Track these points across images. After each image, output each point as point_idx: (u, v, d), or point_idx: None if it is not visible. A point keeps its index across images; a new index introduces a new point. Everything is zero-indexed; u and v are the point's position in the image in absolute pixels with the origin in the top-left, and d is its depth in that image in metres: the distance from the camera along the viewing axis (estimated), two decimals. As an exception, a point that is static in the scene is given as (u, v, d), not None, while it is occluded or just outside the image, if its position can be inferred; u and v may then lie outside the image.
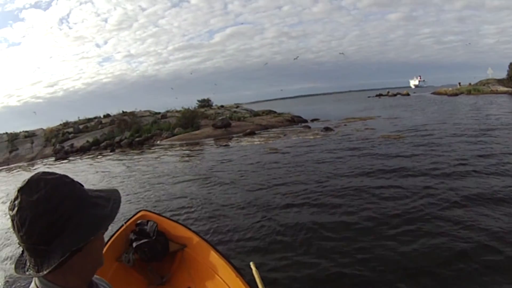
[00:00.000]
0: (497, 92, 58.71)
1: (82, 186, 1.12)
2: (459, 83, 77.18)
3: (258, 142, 20.09)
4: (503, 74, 69.80)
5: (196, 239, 4.29)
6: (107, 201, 1.11)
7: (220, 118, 28.65)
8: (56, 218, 0.99)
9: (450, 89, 72.77)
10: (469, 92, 62.82)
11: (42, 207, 0.98)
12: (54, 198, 1.00)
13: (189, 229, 4.58)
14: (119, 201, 1.16)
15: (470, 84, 71.92)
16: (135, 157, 21.32)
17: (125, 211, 8.49)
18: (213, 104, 42.79)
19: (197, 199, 9.45)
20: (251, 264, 3.26)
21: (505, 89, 61.12)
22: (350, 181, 9.69)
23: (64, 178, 1.07)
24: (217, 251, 3.91)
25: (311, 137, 20.09)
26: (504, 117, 25.36)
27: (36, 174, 1.06)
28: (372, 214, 6.92)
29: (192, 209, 8.63)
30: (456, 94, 63.25)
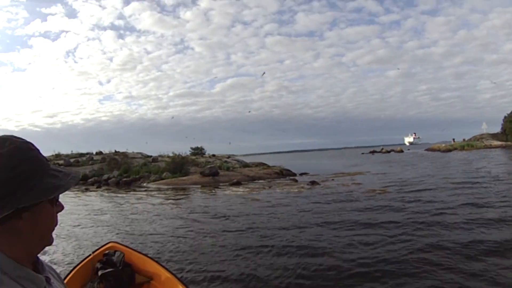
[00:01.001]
0: (490, 147, 60.84)
1: (48, 161, 1.14)
2: (453, 140, 78.82)
3: (242, 192, 20.04)
4: (497, 129, 71.26)
5: (164, 273, 4.15)
6: (66, 175, 1.11)
7: (208, 166, 28.79)
8: (12, 175, 1.01)
9: (443, 145, 74.48)
10: (462, 148, 64.63)
11: (2, 162, 1.01)
12: (15, 158, 1.03)
13: (158, 262, 4.46)
14: (77, 179, 1.16)
15: (464, 140, 74.45)
16: (120, 195, 21.55)
17: (96, 242, 8.53)
18: (206, 153, 43.10)
19: (172, 238, 9.63)
20: None
21: (499, 143, 62.41)
22: (322, 231, 9.80)
23: (30, 145, 1.10)
24: (185, 286, 3.81)
25: (296, 190, 20.02)
26: (493, 169, 26.02)
27: (5, 134, 1.08)
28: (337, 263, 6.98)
29: (165, 246, 8.76)
30: (450, 150, 64.52)
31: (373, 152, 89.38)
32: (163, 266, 4.36)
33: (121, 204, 17.60)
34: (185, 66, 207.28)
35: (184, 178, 26.99)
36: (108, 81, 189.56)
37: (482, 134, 72.75)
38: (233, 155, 48.54)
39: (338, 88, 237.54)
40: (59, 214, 1.16)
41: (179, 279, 4.01)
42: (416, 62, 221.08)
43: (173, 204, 17.04)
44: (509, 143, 61.50)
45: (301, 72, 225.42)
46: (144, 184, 26.91)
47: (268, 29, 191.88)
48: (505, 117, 69.30)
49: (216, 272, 6.67)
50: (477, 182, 19.49)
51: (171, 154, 33.02)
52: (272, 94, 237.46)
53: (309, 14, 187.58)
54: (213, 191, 21.78)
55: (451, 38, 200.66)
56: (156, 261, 4.50)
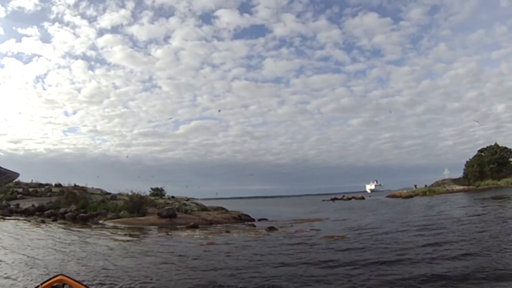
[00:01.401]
0: (452, 191, 61.14)
1: None
2: (415, 186, 79.49)
3: (198, 236, 20.01)
4: (459, 174, 72.87)
5: None
6: (1, 174, 1.30)
7: (166, 208, 28.56)
8: None
9: (405, 191, 74.41)
10: (424, 194, 64.70)
11: None
12: None
13: None
14: (12, 179, 1.33)
15: (426, 186, 74.42)
16: (75, 230, 21.45)
17: (45, 273, 8.54)
18: (166, 194, 42.83)
19: (123, 276, 9.74)
20: None
21: (461, 187, 63.70)
22: (278, 273, 10.06)
23: None
24: None
25: (253, 235, 20.14)
26: (454, 212, 27.02)
27: None
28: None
29: (116, 284, 8.91)
30: (411, 196, 64.67)
31: (334, 199, 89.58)
32: None
33: (76, 239, 17.52)
34: (151, 104, 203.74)
35: (141, 218, 26.71)
36: (74, 113, 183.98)
37: (444, 180, 73.65)
38: (193, 198, 48.25)
39: (301, 135, 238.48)
40: (12, 242, 1.33)
41: None
42: (379, 111, 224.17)
43: (127, 243, 16.92)
44: (471, 187, 62.88)
45: (265, 118, 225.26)
46: (101, 221, 26.52)
47: (235, 73, 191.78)
48: (467, 162, 71.67)
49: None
50: (437, 225, 20.29)
51: (130, 193, 32.53)
52: (235, 139, 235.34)
53: (277, 60, 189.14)
54: (169, 233, 21.60)
55: (415, 87, 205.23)
56: None
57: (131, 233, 21.20)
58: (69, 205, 30.46)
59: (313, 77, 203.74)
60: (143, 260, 12.68)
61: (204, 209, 34.72)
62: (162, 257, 13.29)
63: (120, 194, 35.58)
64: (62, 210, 29.35)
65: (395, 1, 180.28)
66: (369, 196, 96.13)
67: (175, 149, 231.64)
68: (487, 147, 70.37)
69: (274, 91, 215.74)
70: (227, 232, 21.81)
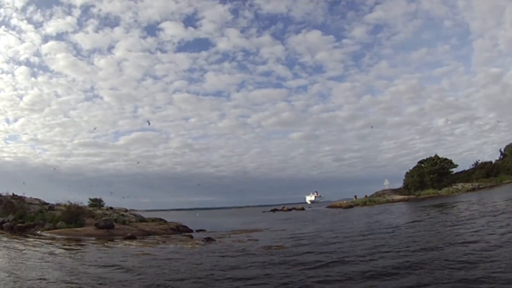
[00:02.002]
0: (392, 201, 63.15)
1: None
2: (355, 196, 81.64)
3: (135, 246, 20.04)
4: (399, 184, 75.48)
5: None
6: None
7: (103, 218, 28.43)
8: None
9: (345, 202, 75.66)
10: (364, 204, 66.23)
11: None
12: None
13: None
14: None
15: (366, 196, 76.24)
16: (12, 241, 21.40)
17: None
18: (104, 205, 42.61)
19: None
20: None
21: (401, 197, 66.02)
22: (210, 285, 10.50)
23: None
24: None
25: (190, 246, 20.28)
26: (392, 220, 28.54)
27: None
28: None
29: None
30: (351, 206, 66.45)
31: (274, 210, 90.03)
32: None
33: (12, 249, 17.52)
34: (92, 114, 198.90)
35: (78, 229, 26.40)
36: (16, 120, 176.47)
37: (384, 190, 75.83)
38: (133, 209, 48.17)
39: (241, 148, 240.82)
40: None
41: None
42: (320, 125, 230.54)
43: (62, 255, 16.78)
44: (411, 196, 65.41)
45: (206, 131, 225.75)
46: (38, 232, 26.02)
47: (177, 85, 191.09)
48: (407, 172, 74.78)
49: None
50: (375, 232, 21.61)
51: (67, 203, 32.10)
52: (175, 151, 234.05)
53: (219, 74, 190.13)
54: (106, 244, 21.46)
55: (355, 103, 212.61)
56: None
57: (67, 244, 20.96)
58: (7, 214, 29.75)
59: (254, 91, 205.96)
60: (73, 271, 12.70)
61: (142, 220, 34.73)
62: (94, 268, 13.39)
63: (58, 204, 34.71)
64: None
65: (339, 19, 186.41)
66: (309, 207, 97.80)
67: (115, 160, 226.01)
68: (427, 158, 73.31)
69: (215, 104, 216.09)
70: (164, 243, 22.02)
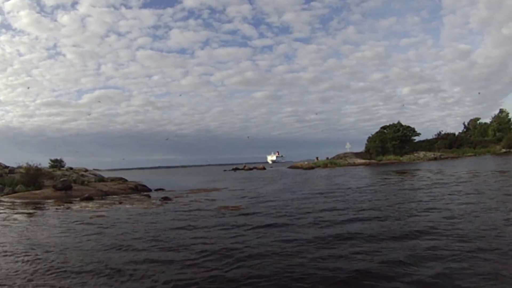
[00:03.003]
0: (354, 164, 65.70)
1: None
2: (317, 158, 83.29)
3: (90, 208, 19.99)
4: (361, 148, 77.38)
5: None
6: None
7: (61, 180, 28.36)
8: None
9: (306, 163, 77.79)
10: (325, 166, 68.54)
11: None
12: None
13: None
14: None
15: (327, 158, 78.31)
16: None
17: None
18: (65, 166, 42.38)
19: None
20: None
21: (362, 161, 68.03)
22: (152, 248, 10.48)
23: None
24: None
25: (146, 206, 20.44)
26: (349, 183, 29.81)
27: None
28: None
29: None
30: (312, 168, 68.11)
31: (235, 169, 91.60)
32: None
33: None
34: (55, 73, 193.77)
35: (37, 192, 26.33)
36: None
37: (345, 153, 77.62)
38: (96, 169, 48.09)
39: (203, 106, 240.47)
40: None
41: None
42: (283, 86, 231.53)
43: (12, 220, 16.50)
44: (372, 161, 67.79)
45: (169, 88, 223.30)
46: None
47: (141, 42, 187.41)
48: (369, 137, 76.93)
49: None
50: (336, 193, 22.61)
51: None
52: (138, 108, 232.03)
53: (184, 31, 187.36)
54: (61, 206, 21.40)
55: (320, 65, 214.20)
56: None
57: (22, 208, 20.80)
58: None
59: (219, 49, 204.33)
60: (20, 238, 12.46)
61: (101, 180, 34.83)
62: (43, 234, 13.20)
63: (19, 167, 34.43)
64: (-43, 186, 27.65)
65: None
66: (271, 167, 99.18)
67: (78, 119, 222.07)
68: (390, 124, 75.04)
69: (179, 61, 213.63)
70: (120, 203, 22.24)
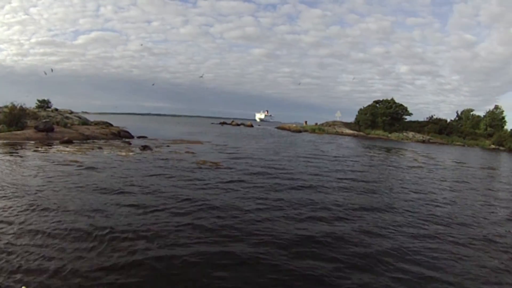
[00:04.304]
0: (341, 134, 65.88)
1: None
2: (305, 122, 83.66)
3: (67, 152, 19.96)
4: (351, 119, 77.30)
5: None
6: None
7: (43, 121, 28.19)
8: None
9: (294, 125, 78.65)
10: (313, 131, 68.99)
11: None
12: None
13: None
14: None
15: (316, 124, 78.63)
16: None
17: None
18: (51, 107, 42.28)
19: None
20: None
21: (350, 131, 68.17)
22: (111, 199, 10.48)
23: None
24: None
25: (124, 153, 20.52)
26: (334, 151, 30.10)
27: None
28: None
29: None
30: (300, 131, 68.46)
31: (223, 123, 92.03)
32: None
33: None
34: (53, 12, 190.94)
35: (18, 132, 26.08)
36: None
37: (335, 121, 77.44)
38: (85, 112, 48.06)
39: (200, 57, 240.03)
40: None
41: None
42: (283, 46, 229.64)
43: None
44: (361, 133, 67.73)
45: (167, 36, 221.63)
46: None
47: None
48: (360, 109, 76.27)
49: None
50: (316, 159, 23.07)
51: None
52: (134, 53, 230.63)
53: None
54: (40, 148, 21.28)
55: (322, 31, 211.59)
56: None
57: (0, 149, 20.34)
58: None
59: (221, 1, 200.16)
60: None
61: (84, 123, 34.82)
62: (15, 175, 13.26)
63: (6, 106, 34.25)
64: None
65: None
66: (259, 125, 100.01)
67: (71, 60, 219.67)
68: (383, 99, 73.92)
69: (180, 9, 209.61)
70: (100, 148, 22.31)
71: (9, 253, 6.48)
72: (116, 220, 8.58)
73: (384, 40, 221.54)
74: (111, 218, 8.68)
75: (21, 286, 2.75)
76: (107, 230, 7.82)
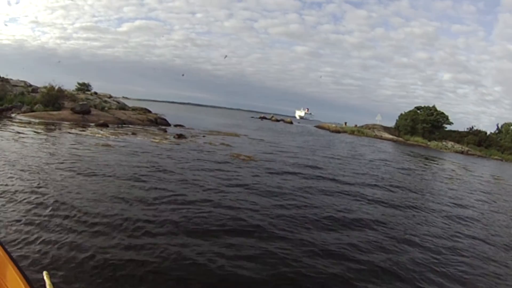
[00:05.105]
0: (381, 138, 63.22)
1: None
2: (345, 123, 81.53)
3: (101, 135, 19.64)
4: (391, 123, 74.92)
5: None
6: None
7: (80, 103, 28.09)
8: None
9: (334, 125, 76.02)
10: (352, 132, 66.57)
11: None
12: None
13: None
14: None
15: (356, 125, 75.94)
16: None
17: None
18: (91, 90, 42.46)
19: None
20: (45, 274, 2.64)
21: (390, 136, 65.81)
22: (141, 186, 9.92)
23: None
24: (15, 264, 2.74)
25: (157, 140, 20.05)
26: (372, 155, 28.55)
27: None
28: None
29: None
30: (339, 132, 66.68)
31: (262, 118, 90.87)
32: None
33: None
34: None
35: (54, 113, 26.04)
36: (17, 2, 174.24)
37: (374, 124, 75.06)
38: (126, 97, 48.26)
39: (242, 51, 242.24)
40: None
41: (8, 253, 2.91)
42: (326, 45, 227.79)
43: (10, 139, 15.50)
44: (400, 139, 64.97)
45: (210, 28, 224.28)
46: (13, 115, 25.20)
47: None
48: (401, 114, 73.50)
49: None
50: (354, 161, 22.14)
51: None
52: (177, 43, 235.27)
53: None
54: (72, 129, 21.03)
55: (367, 32, 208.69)
56: None
57: (35, 127, 20.21)
58: None
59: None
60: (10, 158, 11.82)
61: (122, 108, 34.61)
62: (35, 156, 12.53)
63: (45, 87, 34.35)
64: (-23, 102, 27.21)
65: None
66: (298, 123, 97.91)
67: (114, 46, 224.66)
68: (424, 106, 71.61)
69: (225, 3, 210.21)
70: (134, 134, 21.86)
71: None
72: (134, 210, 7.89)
73: (427, 46, 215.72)
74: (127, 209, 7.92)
75: (43, 271, 2.26)
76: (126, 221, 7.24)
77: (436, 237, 8.96)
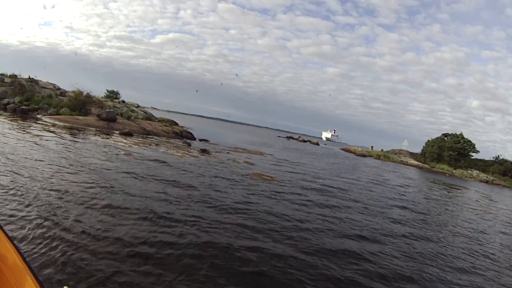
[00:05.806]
0: (406, 164, 61.94)
1: None
2: (372, 147, 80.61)
3: (123, 144, 19.35)
4: (418, 150, 73.68)
5: (11, 254, 3.05)
6: None
7: (107, 110, 28.00)
8: None
9: (360, 149, 74.73)
10: (378, 157, 65.56)
11: None
12: None
13: (9, 239, 3.28)
14: None
15: (382, 150, 74.86)
16: (8, 123, 20.29)
17: None
18: (120, 98, 42.50)
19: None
20: None
21: (416, 162, 64.51)
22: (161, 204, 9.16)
23: None
24: (34, 276, 2.76)
25: (180, 154, 19.47)
26: (397, 181, 27.44)
27: None
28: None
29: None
30: (364, 155, 65.76)
31: (289, 137, 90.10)
32: (14, 245, 3.14)
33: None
34: (132, 9, 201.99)
35: (79, 117, 26.00)
36: (53, 7, 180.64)
37: (401, 150, 74.40)
38: (154, 107, 48.34)
39: (274, 69, 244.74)
40: None
41: (28, 264, 2.94)
42: (357, 67, 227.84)
43: (33, 141, 15.34)
44: (425, 165, 63.66)
45: (243, 45, 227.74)
46: (39, 116, 25.56)
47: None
48: (428, 140, 72.25)
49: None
50: (375, 186, 21.18)
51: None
52: (208, 58, 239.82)
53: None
54: (96, 136, 20.96)
55: (398, 56, 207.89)
56: (9, 238, 3.29)
57: (57, 131, 20.11)
58: (14, 96, 29.12)
59: (301, 17, 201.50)
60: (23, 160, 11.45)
61: (148, 118, 34.44)
62: (47, 161, 12.04)
63: (73, 91, 34.31)
64: (5, 101, 28.12)
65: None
66: (325, 144, 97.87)
67: (147, 57, 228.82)
68: (451, 133, 70.62)
69: (259, 21, 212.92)
70: (157, 145, 21.43)
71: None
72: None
73: (457, 72, 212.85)
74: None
75: (63, 287, 2.76)
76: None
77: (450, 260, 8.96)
